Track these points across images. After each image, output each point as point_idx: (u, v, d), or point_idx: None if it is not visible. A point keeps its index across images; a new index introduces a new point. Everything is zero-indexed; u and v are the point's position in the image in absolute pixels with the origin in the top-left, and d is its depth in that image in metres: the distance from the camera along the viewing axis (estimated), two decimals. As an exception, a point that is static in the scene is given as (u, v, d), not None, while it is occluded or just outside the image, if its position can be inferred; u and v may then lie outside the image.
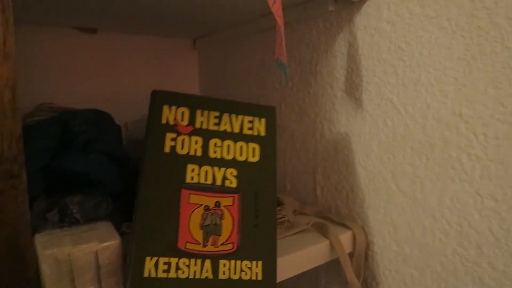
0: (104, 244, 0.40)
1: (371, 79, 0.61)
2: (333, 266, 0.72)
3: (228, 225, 0.47)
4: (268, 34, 0.82)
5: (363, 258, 0.64)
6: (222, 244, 0.46)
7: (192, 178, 0.48)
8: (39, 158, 0.55)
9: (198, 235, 0.45)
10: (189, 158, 0.49)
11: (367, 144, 0.63)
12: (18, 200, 0.32)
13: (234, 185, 0.49)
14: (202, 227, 0.46)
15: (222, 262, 0.45)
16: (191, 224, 0.46)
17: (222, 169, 0.50)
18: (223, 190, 0.49)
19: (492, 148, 0.48)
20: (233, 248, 0.46)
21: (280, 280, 0.55)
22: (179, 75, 1.06)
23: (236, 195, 0.49)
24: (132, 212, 0.67)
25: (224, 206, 0.48)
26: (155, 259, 0.42)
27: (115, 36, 0.95)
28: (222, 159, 0.50)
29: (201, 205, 0.47)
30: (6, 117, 0.31)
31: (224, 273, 0.45)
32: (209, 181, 0.48)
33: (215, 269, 0.45)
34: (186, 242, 0.44)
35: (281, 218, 0.66)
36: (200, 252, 0.45)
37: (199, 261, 0.44)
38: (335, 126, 0.69)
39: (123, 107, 0.92)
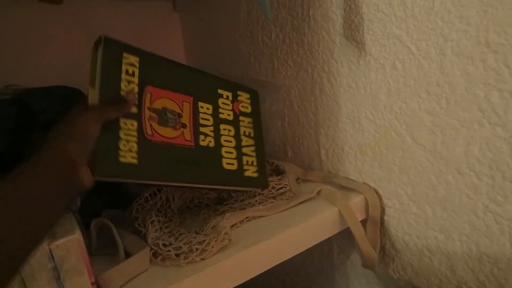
0: (60, 241, 0.33)
1: (374, 16, 0.51)
2: (346, 235, 0.65)
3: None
4: (252, -19, 0.72)
5: (379, 224, 0.56)
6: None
7: None
8: (-6, 145, 0.48)
9: None
10: None
11: (374, 94, 0.54)
12: None
13: None
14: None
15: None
16: None
17: None
18: None
19: (531, 80, 0.39)
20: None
21: (285, 259, 0.48)
22: (162, 41, 0.96)
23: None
24: (115, 197, 0.60)
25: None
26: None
27: (85, 3, 0.85)
28: None
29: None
30: None
31: None
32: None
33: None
34: None
35: (282, 188, 0.59)
36: None
37: None
38: (335, 78, 0.60)
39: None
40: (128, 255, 0.42)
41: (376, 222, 0.56)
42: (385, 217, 0.57)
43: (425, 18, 0.46)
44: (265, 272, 0.46)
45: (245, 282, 0.45)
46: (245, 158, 0.55)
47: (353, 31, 0.55)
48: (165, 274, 0.41)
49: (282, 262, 0.47)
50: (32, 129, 0.51)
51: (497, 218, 0.44)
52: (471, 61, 0.43)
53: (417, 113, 0.49)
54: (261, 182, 0.56)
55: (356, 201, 0.55)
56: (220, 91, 0.55)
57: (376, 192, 0.57)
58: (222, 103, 0.55)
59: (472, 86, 0.43)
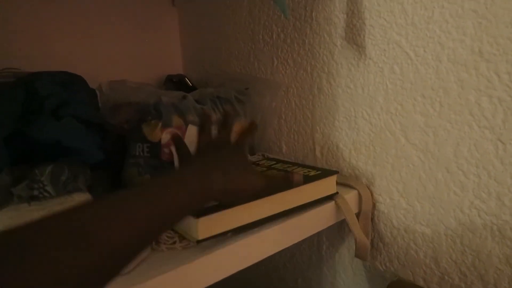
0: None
1: (375, 21, 0.55)
2: (336, 228, 0.68)
3: None
4: (255, -19, 0.74)
5: (370, 218, 0.59)
6: None
7: None
8: (1, 126, 0.48)
9: None
10: None
11: (371, 95, 0.57)
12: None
13: None
14: None
15: None
16: None
17: None
18: None
19: (518, 88, 0.43)
20: None
21: (283, 247, 0.50)
22: (159, 35, 0.96)
23: None
24: (115, 182, 0.61)
25: None
26: None
27: (83, -6, 0.85)
28: None
29: None
30: None
31: None
32: None
33: None
34: None
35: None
36: None
37: None
38: (334, 78, 0.63)
39: (98, 71, 0.83)
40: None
41: (367, 216, 0.59)
42: (375, 212, 0.60)
43: (424, 27, 0.50)
44: (253, 265, 0.47)
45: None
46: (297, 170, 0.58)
47: (354, 35, 0.58)
48: (164, 258, 0.41)
49: (270, 256, 0.48)
50: (37, 113, 0.51)
51: (481, 214, 0.48)
52: (465, 68, 0.47)
53: (412, 115, 0.53)
54: (329, 171, 0.56)
55: (349, 195, 0.58)
56: None
57: (369, 188, 0.60)
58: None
59: (464, 92, 0.47)
